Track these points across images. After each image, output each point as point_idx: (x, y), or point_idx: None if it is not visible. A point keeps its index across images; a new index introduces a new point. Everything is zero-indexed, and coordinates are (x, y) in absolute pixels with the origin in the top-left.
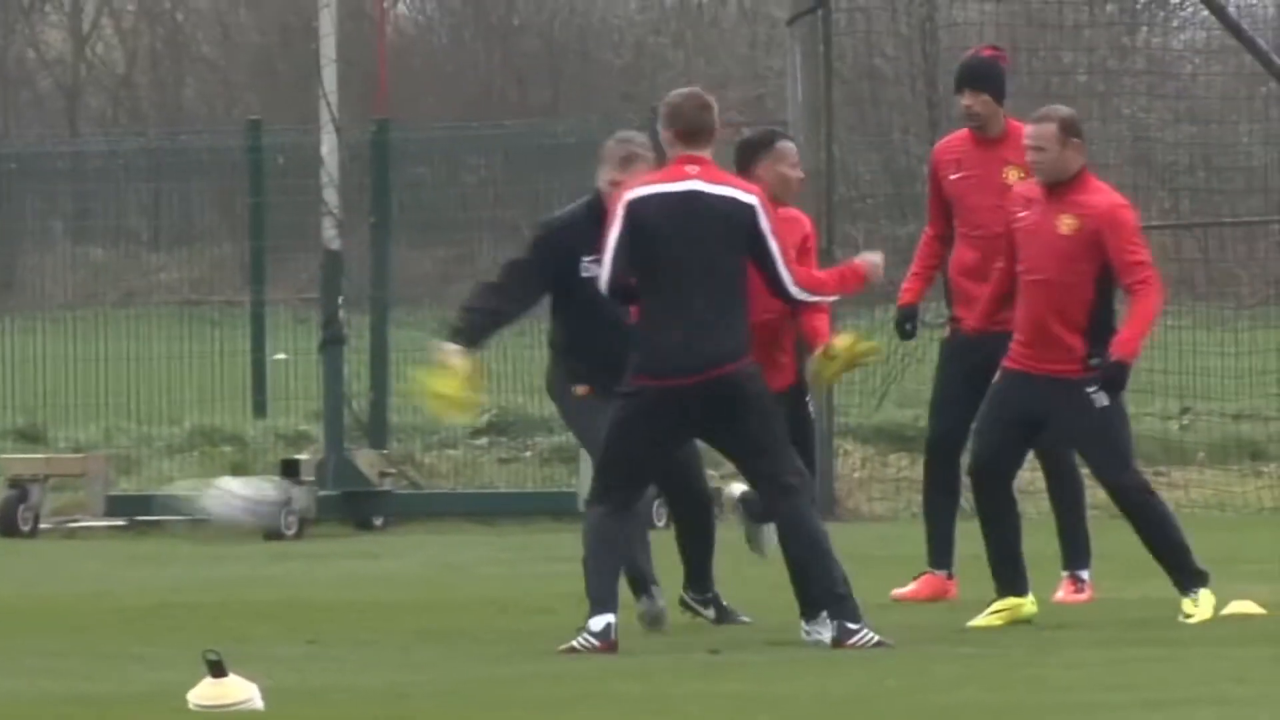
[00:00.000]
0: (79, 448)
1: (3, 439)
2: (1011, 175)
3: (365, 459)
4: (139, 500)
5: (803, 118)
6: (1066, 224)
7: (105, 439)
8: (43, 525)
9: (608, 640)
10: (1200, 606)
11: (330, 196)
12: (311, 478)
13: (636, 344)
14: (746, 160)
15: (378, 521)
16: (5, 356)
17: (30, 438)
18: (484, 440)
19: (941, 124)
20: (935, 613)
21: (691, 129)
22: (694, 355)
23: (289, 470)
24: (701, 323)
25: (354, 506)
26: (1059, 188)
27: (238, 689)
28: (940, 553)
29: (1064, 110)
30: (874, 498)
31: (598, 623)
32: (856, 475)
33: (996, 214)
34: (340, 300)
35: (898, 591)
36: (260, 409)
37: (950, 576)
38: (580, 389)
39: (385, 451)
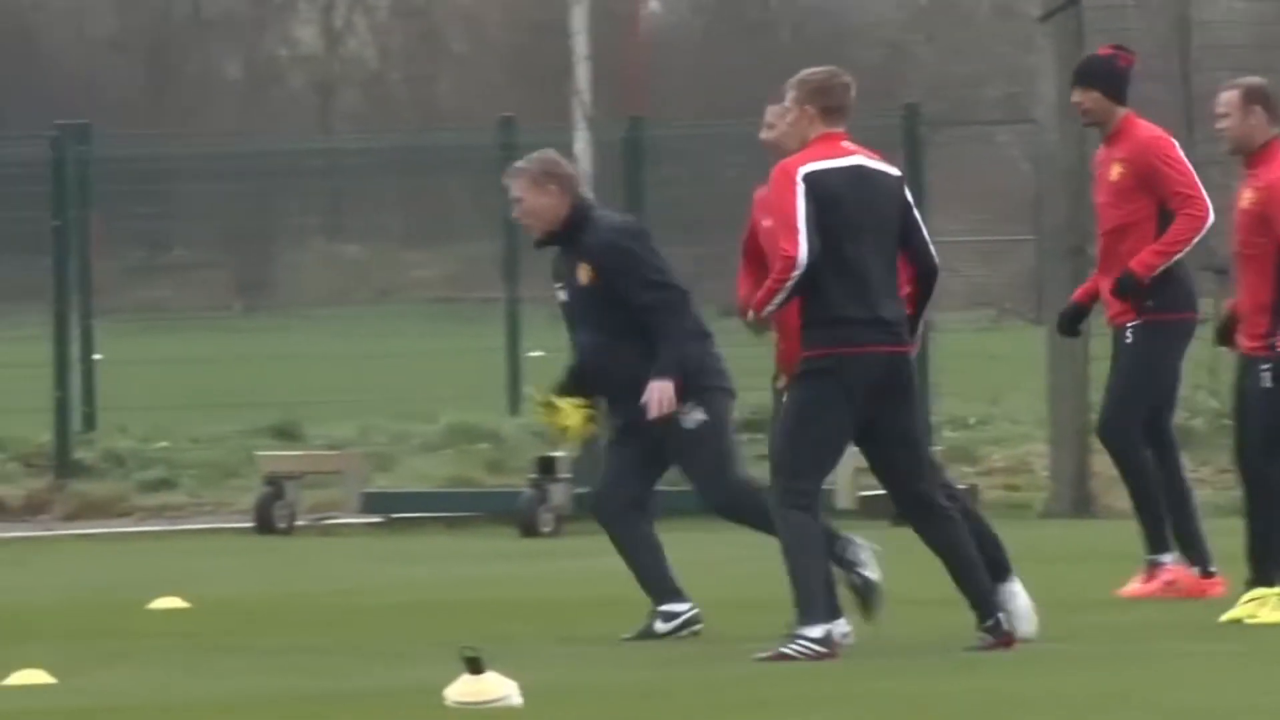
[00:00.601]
0: (335, 445)
1: (259, 436)
2: (1114, 172)
3: None
4: (395, 497)
5: (1054, 116)
6: (1246, 197)
7: (361, 436)
8: (298, 522)
9: (829, 646)
10: None
11: (585, 193)
12: (568, 475)
13: (814, 319)
14: None
15: None
16: (262, 354)
17: (286, 435)
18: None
19: (1196, 123)
20: (1180, 609)
21: (835, 106)
22: (885, 328)
23: (545, 467)
24: (887, 296)
25: None
26: (1248, 160)
27: (496, 686)
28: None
29: (1253, 79)
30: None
31: (816, 630)
32: (1112, 473)
33: (1104, 211)
34: None
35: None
36: (515, 406)
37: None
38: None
39: None
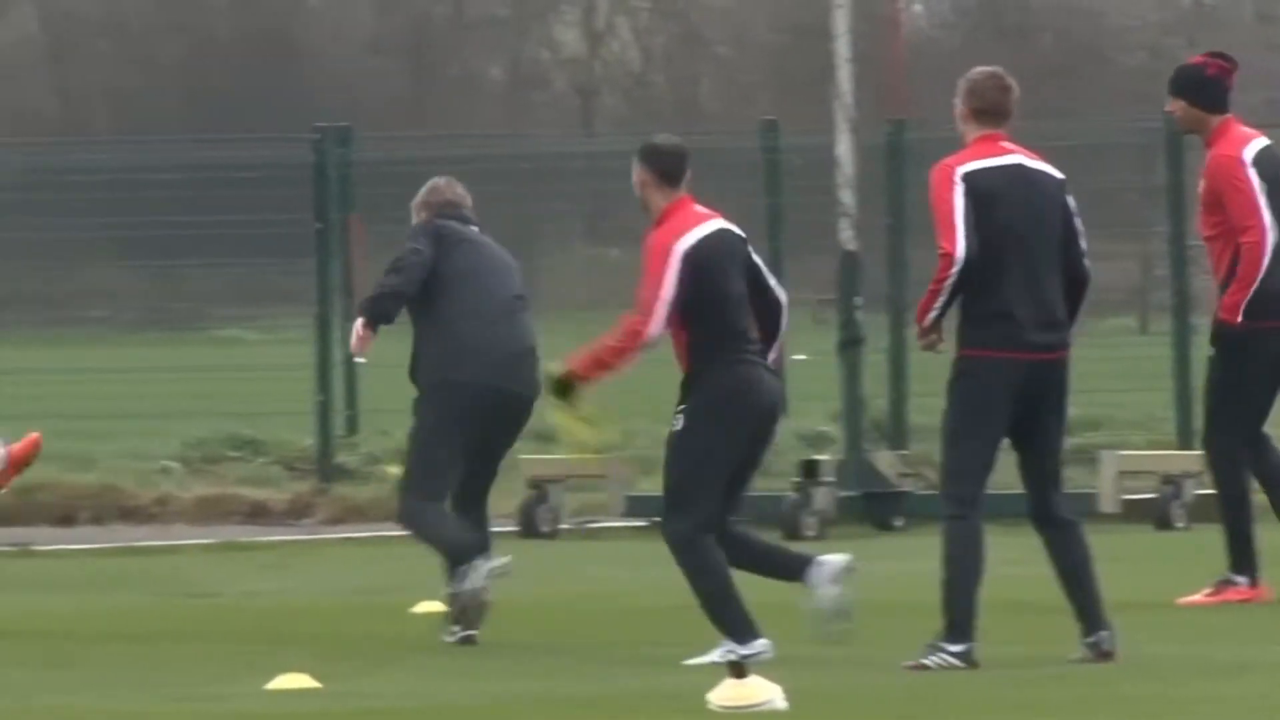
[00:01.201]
0: (599, 449)
1: (522, 441)
2: (1201, 184)
3: (885, 460)
4: (658, 501)
5: None
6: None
7: (624, 440)
8: (563, 526)
9: (969, 663)
10: None
11: (846, 197)
12: (832, 478)
13: (974, 317)
14: None
15: (897, 523)
16: None
17: (550, 439)
18: None
19: None
20: None
21: (991, 108)
22: (1050, 331)
23: (809, 471)
24: (1049, 297)
25: (874, 507)
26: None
27: (760, 690)
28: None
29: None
30: None
31: (959, 647)
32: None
33: (1200, 218)
34: (858, 301)
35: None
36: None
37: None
38: None
39: (904, 452)
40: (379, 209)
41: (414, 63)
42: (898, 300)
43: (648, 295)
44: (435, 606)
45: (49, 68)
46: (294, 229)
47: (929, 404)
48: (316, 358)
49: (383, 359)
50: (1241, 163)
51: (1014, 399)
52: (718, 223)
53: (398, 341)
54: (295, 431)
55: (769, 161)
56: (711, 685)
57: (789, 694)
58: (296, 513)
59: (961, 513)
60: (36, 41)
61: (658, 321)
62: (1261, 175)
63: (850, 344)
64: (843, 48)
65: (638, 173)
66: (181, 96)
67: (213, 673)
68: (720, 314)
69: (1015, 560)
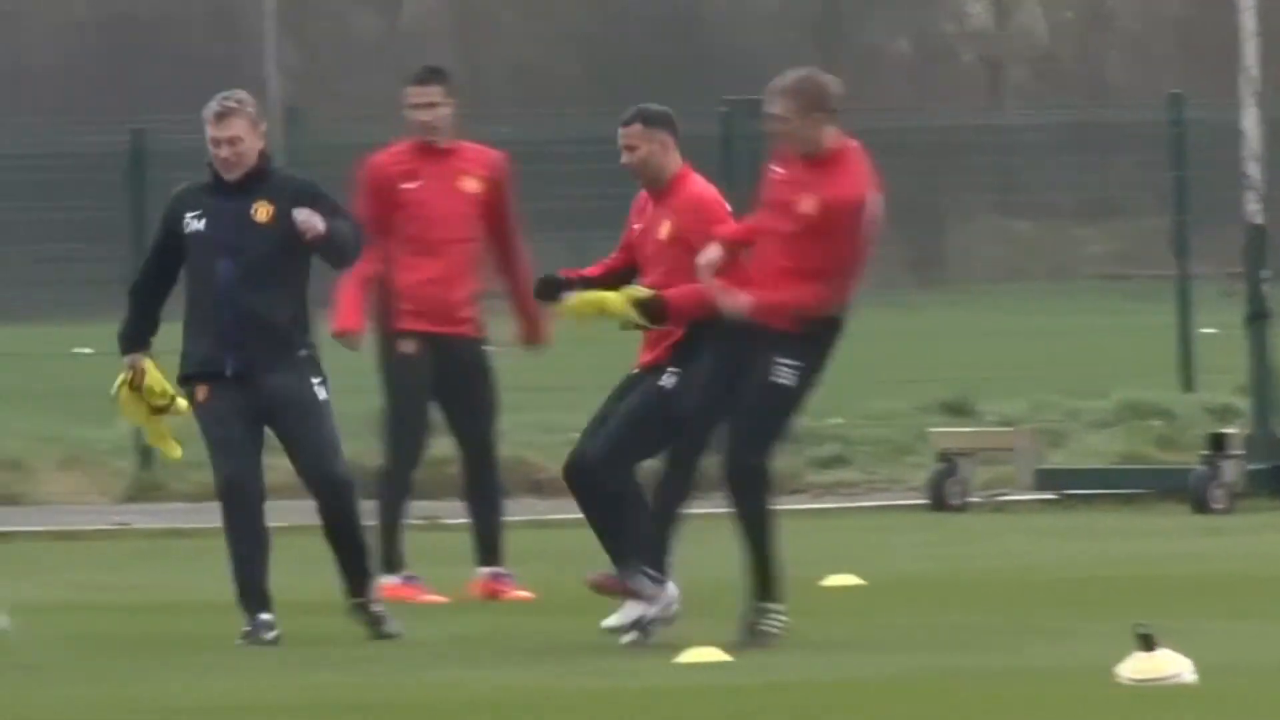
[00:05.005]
0: (1007, 421)
1: (931, 413)
2: None
3: None
4: (1067, 474)
5: None
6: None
7: (1033, 412)
8: (971, 499)
9: None
10: None
11: (1252, 170)
12: (1240, 451)
13: None
14: None
15: None
16: (933, 330)
17: (958, 412)
18: None
19: None
20: None
21: None
22: None
23: (1217, 444)
24: None
25: None
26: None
27: (1169, 663)
28: None
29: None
30: None
31: None
32: None
33: None
34: (1265, 274)
35: None
36: (1188, 383)
37: None
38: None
39: None
40: None
41: (820, 34)
42: None
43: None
44: (846, 580)
45: (454, 40)
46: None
47: None
48: None
49: None
50: None
51: None
52: None
53: None
54: None
55: (1175, 135)
56: (1122, 658)
57: (1197, 668)
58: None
59: None
60: (442, 14)
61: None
62: None
63: (1257, 317)
64: (1249, 20)
65: (655, 140)
66: (585, 69)
67: (625, 648)
68: None
69: None
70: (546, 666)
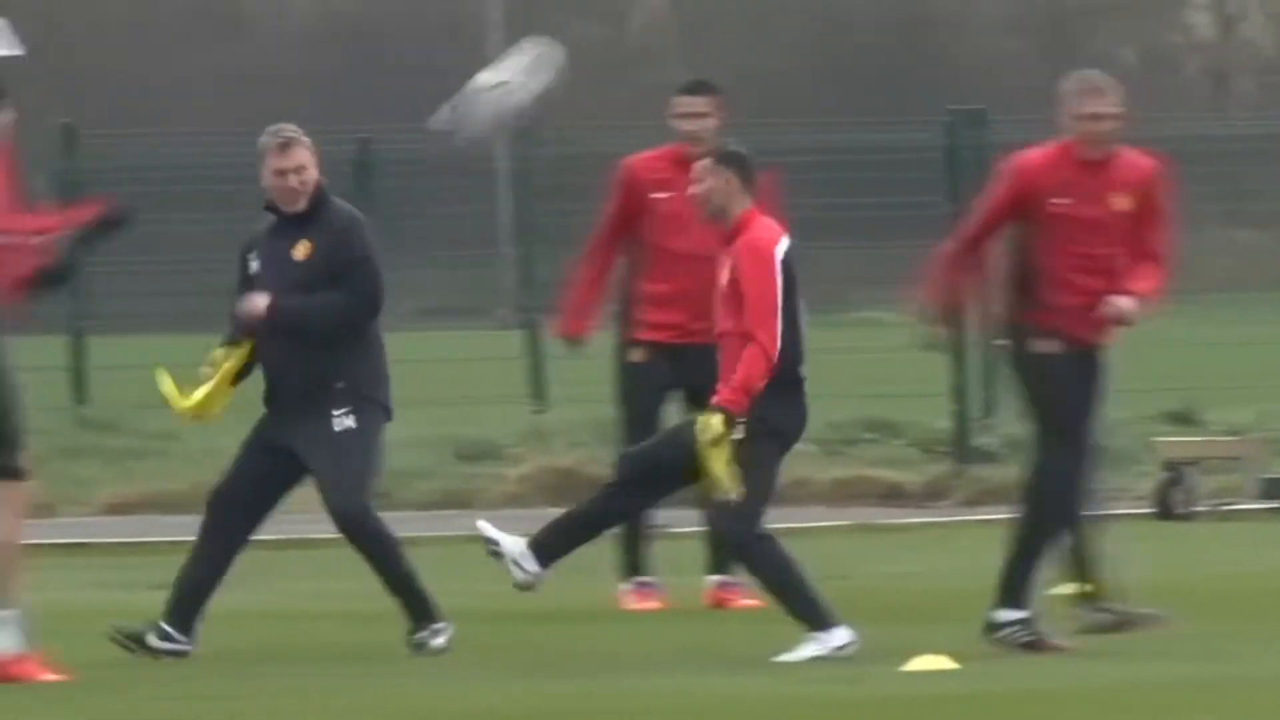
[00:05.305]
0: (1234, 431)
1: (1156, 422)
2: None
3: None
4: None
5: None
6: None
7: (1260, 421)
8: (1197, 508)
9: None
10: None
11: None
12: None
13: None
14: None
15: None
16: (1159, 340)
17: (1184, 421)
18: None
19: None
20: None
21: None
22: None
23: None
24: None
25: None
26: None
27: None
28: None
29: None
30: None
31: None
32: None
33: None
34: None
35: None
36: None
37: None
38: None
39: None
40: None
41: (1050, 44)
42: None
43: (764, 306)
44: (1071, 587)
45: (681, 49)
46: (928, 212)
47: None
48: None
49: None
50: None
51: None
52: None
53: None
54: (932, 414)
55: None
56: None
57: None
58: (932, 495)
59: None
60: (669, 23)
61: (776, 333)
62: None
63: None
64: None
65: (721, 177)
66: (814, 79)
67: (851, 655)
68: (788, 329)
69: None
70: (777, 675)
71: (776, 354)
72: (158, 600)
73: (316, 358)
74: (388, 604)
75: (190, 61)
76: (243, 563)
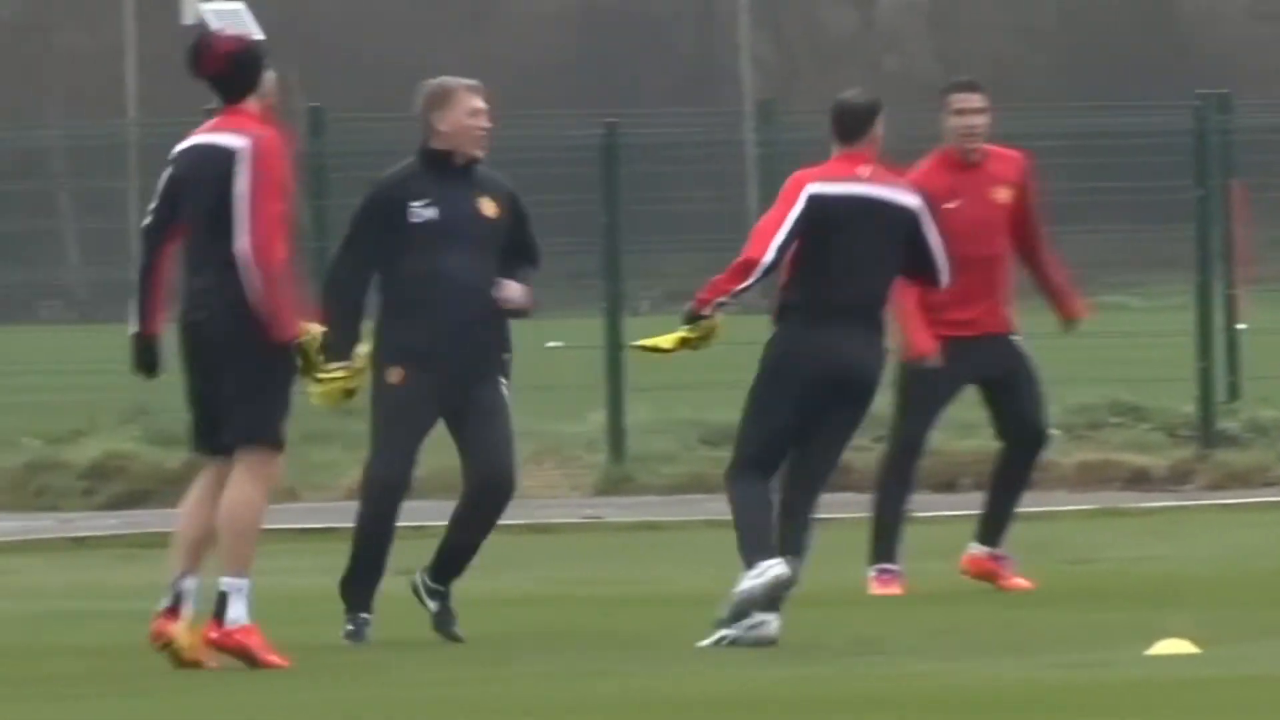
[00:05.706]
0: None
1: None
2: None
3: None
4: None
5: None
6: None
7: None
8: None
9: None
10: None
11: None
12: None
13: None
14: None
15: None
16: None
17: None
18: None
19: None
20: None
21: None
22: None
23: None
24: None
25: None
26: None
27: None
28: None
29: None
30: None
31: None
32: None
33: None
34: None
35: None
36: None
37: None
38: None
39: None
40: (1261, 176)
41: None
42: None
43: (767, 224)
44: None
45: (931, 33)
46: (1175, 196)
47: None
48: (1198, 324)
49: (1265, 325)
50: None
51: None
52: (868, 186)
53: (1278, 310)
54: (1177, 398)
55: None
56: None
57: None
58: (1177, 479)
59: None
60: (920, 8)
61: (772, 249)
62: None
63: None
64: None
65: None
66: (1060, 64)
67: (1095, 639)
68: (816, 271)
69: None
70: (1024, 659)
71: (758, 265)
72: (402, 584)
73: (502, 327)
74: (630, 590)
75: (436, 46)
76: (484, 549)
